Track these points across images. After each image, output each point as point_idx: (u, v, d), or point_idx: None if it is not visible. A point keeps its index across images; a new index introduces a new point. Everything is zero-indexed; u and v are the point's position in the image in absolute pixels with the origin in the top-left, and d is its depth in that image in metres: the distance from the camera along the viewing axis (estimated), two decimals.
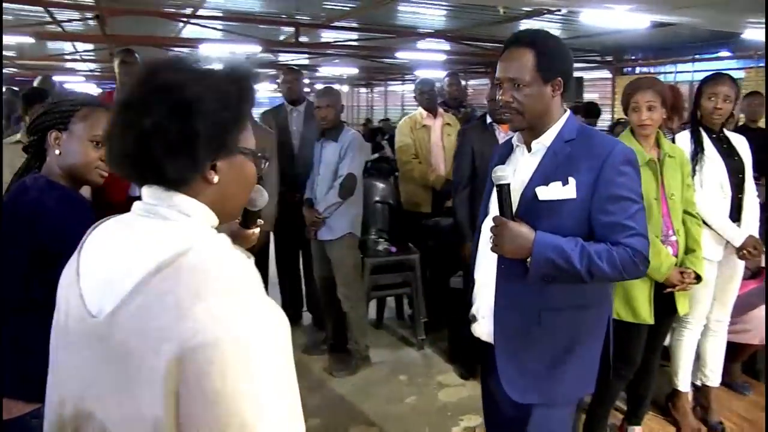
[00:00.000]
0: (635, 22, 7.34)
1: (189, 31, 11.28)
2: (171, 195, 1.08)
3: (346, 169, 4.05)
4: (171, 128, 1.03)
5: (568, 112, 2.08)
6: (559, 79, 2.00)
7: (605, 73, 13.88)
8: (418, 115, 4.91)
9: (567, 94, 2.06)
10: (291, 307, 5.09)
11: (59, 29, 10.85)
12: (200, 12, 10.07)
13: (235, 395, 0.91)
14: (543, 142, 2.04)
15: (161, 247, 1.01)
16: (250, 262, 1.06)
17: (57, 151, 1.86)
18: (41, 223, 1.72)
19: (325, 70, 16.74)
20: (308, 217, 4.20)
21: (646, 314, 2.95)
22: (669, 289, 2.97)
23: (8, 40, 10.94)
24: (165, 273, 0.97)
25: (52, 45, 13.51)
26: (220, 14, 10.34)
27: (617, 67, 13.36)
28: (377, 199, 4.73)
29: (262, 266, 4.58)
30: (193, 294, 0.94)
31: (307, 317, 5.11)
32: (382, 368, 4.31)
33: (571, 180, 1.94)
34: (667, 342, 3.46)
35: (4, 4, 9.42)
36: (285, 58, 14.80)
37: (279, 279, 5.07)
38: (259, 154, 1.20)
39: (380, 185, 4.80)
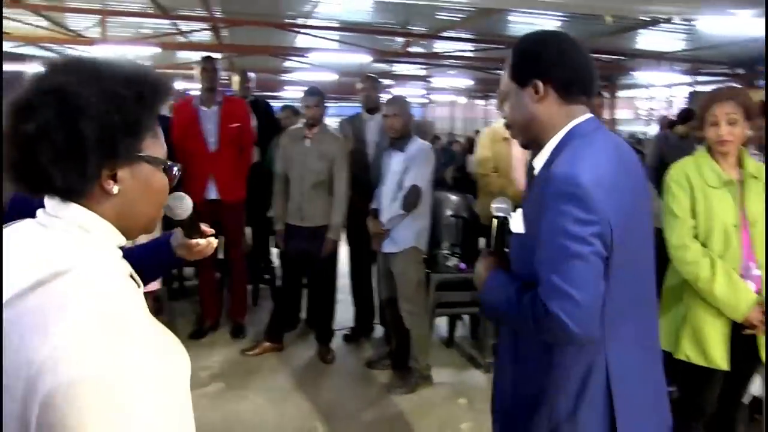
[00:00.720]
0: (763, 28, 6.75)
1: (302, 41, 11.53)
2: (67, 206, 1.01)
3: (410, 181, 3.93)
4: (57, 133, 0.95)
5: (577, 120, 1.61)
6: (536, 81, 1.60)
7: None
8: (500, 128, 4.70)
9: (581, 97, 1.62)
10: (362, 320, 5.02)
11: (184, 39, 11.41)
12: (313, 22, 10.29)
13: None
14: (538, 162, 1.66)
15: (44, 264, 0.94)
16: (136, 291, 1.02)
17: None
18: None
19: (439, 81, 16.63)
20: (372, 228, 4.12)
21: (719, 358, 2.59)
22: (749, 331, 2.60)
23: (141, 50, 11.65)
24: (38, 292, 0.91)
25: (181, 54, 14.25)
26: (333, 24, 10.50)
27: (748, 80, 12.38)
28: (450, 212, 4.56)
29: (329, 276, 4.54)
30: (58, 321, 0.87)
31: (379, 330, 5.00)
32: (443, 389, 4.13)
33: (520, 210, 1.65)
34: (758, 391, 3.09)
35: (128, 19, 10.05)
36: (398, 68, 14.85)
37: (352, 289, 5.02)
38: (169, 163, 1.11)
39: (454, 198, 4.63)
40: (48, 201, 1.03)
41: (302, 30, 10.49)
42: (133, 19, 10.36)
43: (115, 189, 1.02)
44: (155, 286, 4.26)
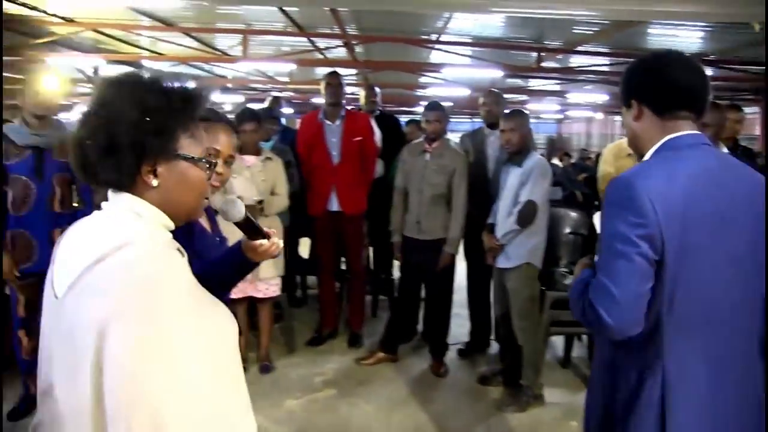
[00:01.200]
0: None
1: (436, 56, 11.64)
2: (120, 195, 1.25)
3: (525, 196, 3.87)
4: (99, 137, 1.21)
5: (672, 135, 1.69)
6: (633, 101, 1.75)
7: None
8: (624, 144, 4.53)
9: (680, 113, 1.70)
10: (478, 335, 4.97)
11: (321, 56, 11.85)
12: (446, 38, 10.38)
13: (144, 384, 1.05)
14: None
15: (106, 241, 1.17)
16: (183, 261, 1.22)
17: None
18: None
19: (575, 97, 16.20)
20: (486, 243, 4.09)
21: None
22: None
23: (280, 67, 12.18)
24: (102, 264, 1.14)
25: (319, 70, 14.79)
26: (466, 39, 10.54)
27: None
28: (569, 230, 4.44)
29: (445, 289, 4.54)
30: (119, 283, 1.10)
31: (495, 346, 4.93)
32: (555, 410, 4.02)
33: None
34: None
35: (268, 37, 10.56)
36: (533, 83, 14.64)
37: (469, 304, 4.99)
38: (204, 160, 1.31)
39: (573, 215, 4.51)
40: (109, 194, 1.28)
41: (435, 45, 10.62)
42: (273, 37, 10.89)
43: (155, 182, 1.24)
44: (276, 292, 4.46)
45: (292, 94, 18.15)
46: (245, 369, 4.26)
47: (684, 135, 1.69)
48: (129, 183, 1.24)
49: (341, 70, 13.65)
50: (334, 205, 4.81)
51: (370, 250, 5.70)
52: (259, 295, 4.43)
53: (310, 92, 17.19)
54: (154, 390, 1.06)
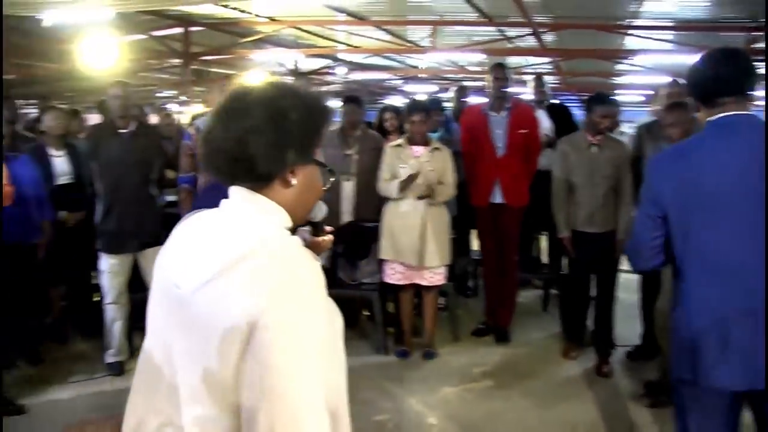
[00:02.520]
0: None
1: (632, 42, 11.05)
2: (255, 196, 1.29)
3: None
4: (268, 130, 1.25)
5: (712, 118, 2.12)
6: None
7: None
8: None
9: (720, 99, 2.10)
10: (649, 338, 4.67)
11: (511, 45, 11.71)
12: (642, 22, 9.82)
13: (280, 367, 1.12)
14: None
15: (244, 240, 1.23)
16: (315, 263, 1.27)
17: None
18: None
19: None
20: None
21: None
22: None
23: (472, 58, 12.15)
24: (248, 262, 1.19)
25: (510, 59, 14.61)
26: (668, 23, 9.89)
27: None
28: None
29: (610, 285, 4.36)
30: (270, 280, 1.17)
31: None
32: None
33: None
34: None
35: (459, 28, 10.61)
36: None
37: (641, 306, 4.71)
38: (327, 169, 1.40)
39: None
40: (236, 193, 1.30)
41: (629, 31, 10.09)
42: (463, 28, 10.94)
43: (294, 181, 1.30)
44: (441, 281, 4.53)
45: (484, 83, 18.08)
46: (409, 353, 4.44)
47: (722, 116, 2.10)
48: (276, 178, 1.29)
49: (532, 59, 13.34)
50: (498, 198, 4.77)
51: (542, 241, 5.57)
52: (425, 283, 4.53)
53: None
54: (298, 380, 1.13)
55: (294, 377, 1.13)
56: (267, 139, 1.25)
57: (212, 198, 1.35)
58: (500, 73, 4.79)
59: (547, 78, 15.23)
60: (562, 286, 5.28)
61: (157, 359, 1.32)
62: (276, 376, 1.12)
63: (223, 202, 1.32)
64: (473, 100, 6.89)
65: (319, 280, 1.23)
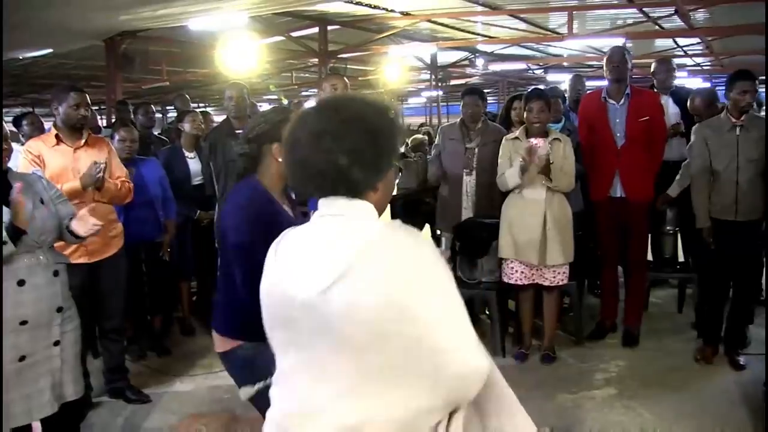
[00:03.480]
0: None
1: None
2: (353, 202, 1.43)
3: None
4: (368, 150, 1.40)
5: None
6: None
7: None
8: None
9: None
10: None
11: (655, 27, 10.98)
12: None
13: (436, 330, 1.33)
14: None
15: (358, 239, 1.38)
16: (429, 242, 1.51)
17: (281, 159, 2.04)
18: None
19: None
20: None
21: None
22: None
23: (614, 42, 11.53)
24: (367, 255, 1.35)
25: (659, 42, 13.73)
26: None
27: None
28: None
29: (757, 280, 4.08)
30: (393, 266, 1.34)
31: None
32: None
33: None
34: None
35: (600, 12, 10.07)
36: None
37: None
38: (398, 166, 1.61)
39: None
40: (328, 202, 1.44)
41: None
42: (605, 11, 10.40)
43: (380, 186, 1.46)
44: (563, 280, 4.31)
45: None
46: (527, 356, 4.27)
47: None
48: (371, 189, 1.45)
49: (682, 41, 12.55)
50: (618, 191, 4.46)
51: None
52: (546, 283, 4.32)
53: (649, 67, 16.09)
54: (455, 334, 1.36)
55: (451, 335, 1.35)
56: (367, 159, 1.40)
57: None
58: (618, 56, 4.46)
59: (699, 60, 14.30)
60: (701, 282, 4.85)
61: (294, 371, 1.48)
62: (435, 338, 1.33)
63: (316, 214, 1.47)
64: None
65: (438, 254, 1.41)
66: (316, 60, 12.26)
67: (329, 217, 1.44)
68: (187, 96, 7.00)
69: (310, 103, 1.82)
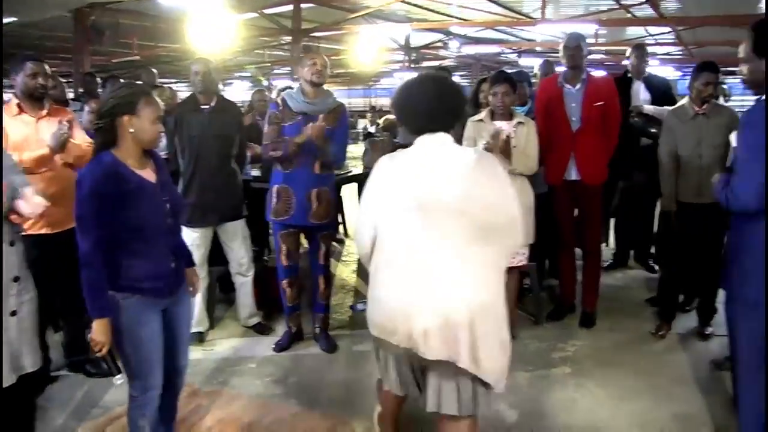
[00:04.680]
0: None
1: None
2: (448, 135, 2.41)
3: None
4: (456, 106, 2.48)
5: None
6: None
7: None
8: None
9: None
10: None
11: (627, 15, 11.08)
12: None
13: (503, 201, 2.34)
14: None
15: (466, 154, 2.38)
16: None
17: (132, 130, 2.52)
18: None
19: None
20: None
21: None
22: None
23: (588, 29, 11.58)
24: (477, 164, 2.32)
25: (630, 30, 13.86)
26: None
27: None
28: None
29: (715, 253, 4.18)
30: (494, 168, 2.36)
31: None
32: None
33: None
34: None
35: None
36: None
37: None
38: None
39: None
40: (441, 136, 2.40)
41: None
42: None
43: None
44: (522, 261, 4.35)
45: (603, 56, 17.31)
46: None
47: None
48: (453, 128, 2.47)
49: (652, 29, 12.71)
50: (573, 174, 4.55)
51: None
52: None
53: (621, 54, 16.22)
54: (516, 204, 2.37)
55: (516, 214, 2.36)
56: (456, 113, 2.49)
57: None
58: (573, 43, 4.51)
59: (669, 49, 14.44)
60: (666, 262, 5.01)
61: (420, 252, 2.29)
62: (511, 213, 2.36)
63: (423, 143, 2.39)
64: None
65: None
66: (290, 38, 12.20)
67: (436, 143, 2.38)
68: (155, 71, 6.91)
69: (422, 76, 2.54)
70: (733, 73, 16.62)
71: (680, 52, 15.86)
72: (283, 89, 4.96)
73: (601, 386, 3.84)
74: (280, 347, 4.37)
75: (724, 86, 7.59)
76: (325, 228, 4.26)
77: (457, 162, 2.29)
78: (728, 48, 14.95)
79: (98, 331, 2.51)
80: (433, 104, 2.36)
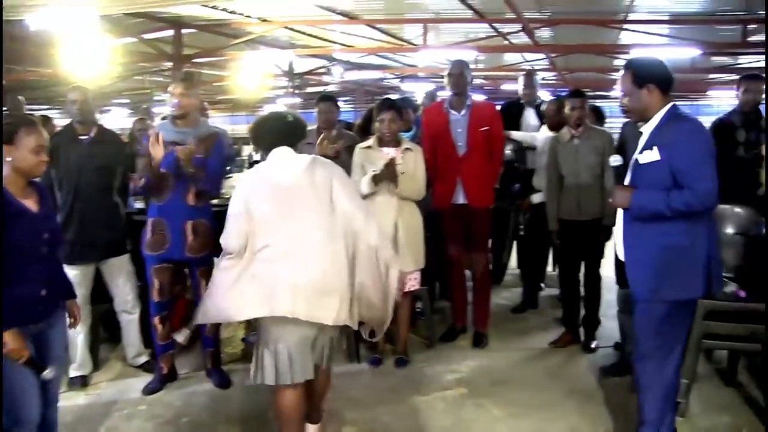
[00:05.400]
0: None
1: (627, 37, 10.90)
2: (289, 149, 3.09)
3: None
4: (291, 130, 3.21)
5: (669, 105, 2.96)
6: (649, 84, 2.94)
7: None
8: None
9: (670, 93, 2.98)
10: None
11: (504, 42, 11.54)
12: (638, 16, 9.67)
13: (350, 193, 3.11)
14: (647, 128, 3.02)
15: (303, 157, 3.06)
16: None
17: (9, 159, 2.61)
18: None
19: None
20: None
21: None
22: None
23: (468, 55, 12.00)
24: (316, 161, 3.07)
25: (507, 56, 14.45)
26: (664, 17, 9.75)
27: None
28: (733, 230, 3.90)
29: (598, 270, 4.64)
30: (332, 167, 3.12)
31: None
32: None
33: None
34: None
35: (454, 25, 10.45)
36: (744, 60, 13.17)
37: None
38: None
39: (740, 212, 3.94)
40: (282, 149, 3.10)
41: (623, 26, 9.94)
42: (459, 25, 10.79)
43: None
44: (414, 286, 4.40)
45: (483, 81, 17.96)
46: (382, 362, 4.32)
47: (675, 104, 2.98)
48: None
49: (529, 56, 13.27)
50: (461, 198, 4.66)
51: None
52: None
53: (500, 78, 16.91)
54: (359, 198, 3.30)
55: (356, 195, 3.19)
56: (296, 134, 3.20)
57: None
58: (457, 70, 4.65)
59: (544, 75, 15.09)
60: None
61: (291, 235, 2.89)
62: (352, 199, 3.06)
63: (272, 155, 3.08)
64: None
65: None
66: (171, 64, 11.89)
67: (283, 156, 3.06)
68: (21, 98, 6.46)
69: (267, 113, 3.47)
70: (604, 96, 17.72)
71: (554, 77, 16.67)
72: (165, 117, 4.81)
73: (498, 405, 3.92)
74: (151, 390, 4.11)
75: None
76: (204, 262, 4.05)
77: (297, 162, 3.03)
78: (596, 74, 15.97)
79: (9, 342, 2.50)
80: (275, 129, 3.16)
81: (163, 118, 4.74)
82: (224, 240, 2.96)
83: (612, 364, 4.38)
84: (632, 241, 3.08)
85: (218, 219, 5.75)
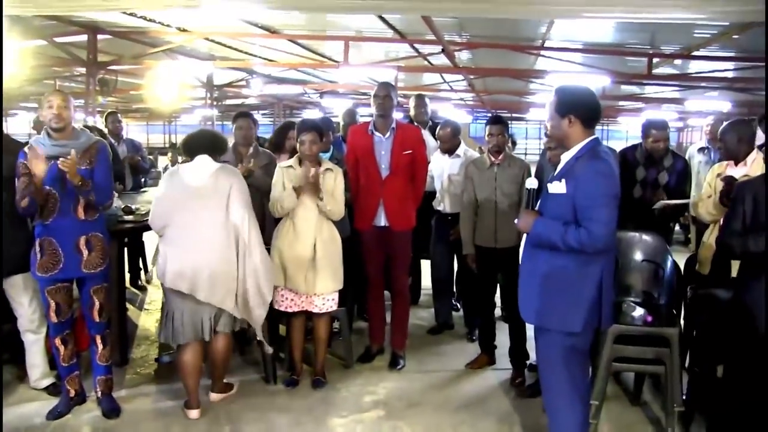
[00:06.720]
0: None
1: (543, 63, 11.26)
2: (208, 158, 3.92)
3: None
4: (212, 143, 4.10)
5: (590, 137, 3.05)
6: (570, 115, 3.02)
7: None
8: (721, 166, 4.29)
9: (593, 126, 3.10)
10: None
11: (424, 62, 11.73)
12: (553, 44, 10.00)
13: (243, 202, 3.94)
14: (565, 157, 3.08)
15: (215, 165, 3.88)
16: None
17: None
18: None
19: (694, 104, 15.06)
20: None
21: None
22: None
23: (387, 73, 12.09)
24: (223, 169, 3.90)
25: (426, 76, 14.67)
26: (578, 45, 10.13)
27: None
28: (642, 257, 4.04)
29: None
30: (232, 174, 3.99)
31: None
32: None
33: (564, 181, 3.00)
34: None
35: (375, 44, 10.55)
36: (650, 90, 13.84)
37: None
38: None
39: (648, 240, 4.10)
40: (202, 156, 3.94)
41: (540, 52, 10.26)
42: (381, 44, 10.88)
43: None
44: (332, 307, 4.38)
45: (402, 99, 18.16)
46: (298, 382, 4.26)
47: (597, 137, 3.09)
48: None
49: (448, 77, 13.51)
50: (382, 221, 4.68)
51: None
52: (315, 310, 4.36)
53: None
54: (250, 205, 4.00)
55: (249, 205, 3.93)
56: (216, 147, 4.03)
57: None
58: (381, 92, 4.67)
59: (463, 95, 15.40)
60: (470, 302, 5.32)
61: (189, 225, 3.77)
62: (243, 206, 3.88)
63: (199, 158, 3.88)
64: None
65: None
66: (84, 69, 11.48)
67: (200, 161, 3.83)
68: None
69: (198, 129, 4.41)
70: (520, 118, 18.23)
71: (473, 98, 17.04)
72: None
73: (414, 427, 3.93)
74: (57, 414, 3.92)
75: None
76: (100, 278, 3.89)
77: (208, 168, 3.83)
78: (512, 96, 16.44)
79: None
80: (202, 140, 4.00)
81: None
82: (150, 220, 3.92)
83: (528, 385, 4.43)
84: (527, 264, 3.18)
85: (133, 235, 5.69)
